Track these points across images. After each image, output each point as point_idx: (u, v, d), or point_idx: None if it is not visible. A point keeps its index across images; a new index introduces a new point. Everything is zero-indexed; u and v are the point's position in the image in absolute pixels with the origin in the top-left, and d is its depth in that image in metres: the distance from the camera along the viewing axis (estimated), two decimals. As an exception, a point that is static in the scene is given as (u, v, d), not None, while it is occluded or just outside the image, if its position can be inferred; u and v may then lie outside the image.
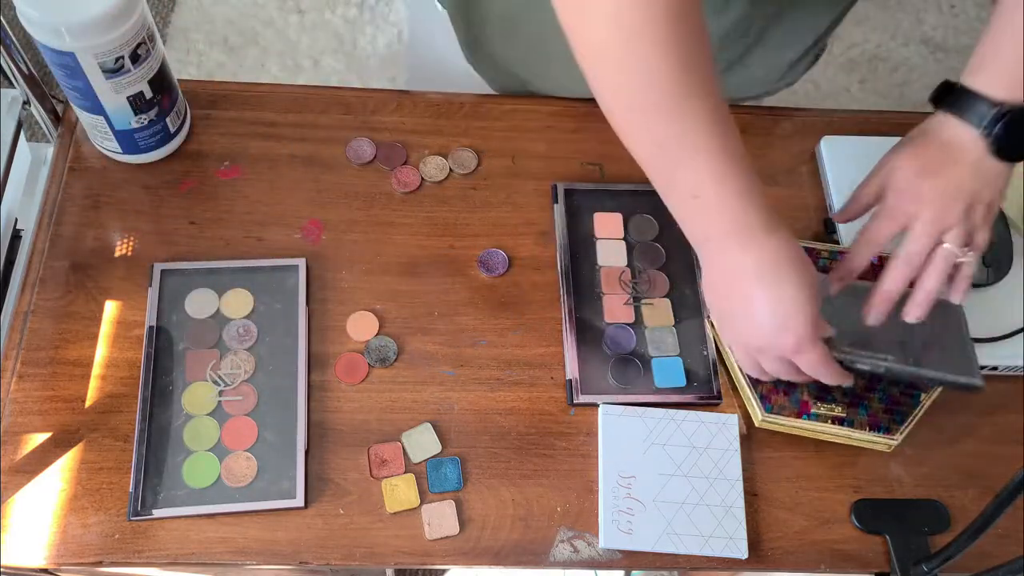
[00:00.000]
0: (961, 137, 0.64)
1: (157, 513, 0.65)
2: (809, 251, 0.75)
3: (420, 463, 0.68)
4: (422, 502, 0.67)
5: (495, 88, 0.86)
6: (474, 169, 0.81)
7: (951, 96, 0.66)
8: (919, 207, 0.65)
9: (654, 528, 0.66)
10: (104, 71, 0.68)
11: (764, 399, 0.70)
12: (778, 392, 0.70)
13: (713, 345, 0.74)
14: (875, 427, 0.69)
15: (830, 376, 0.63)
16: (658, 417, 0.70)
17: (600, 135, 0.83)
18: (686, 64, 0.54)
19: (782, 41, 0.79)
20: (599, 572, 0.91)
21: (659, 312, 0.75)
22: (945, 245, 0.65)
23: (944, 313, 0.69)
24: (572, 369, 0.72)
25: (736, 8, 0.72)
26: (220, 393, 0.69)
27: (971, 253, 0.66)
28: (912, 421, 0.69)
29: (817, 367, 0.62)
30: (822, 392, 0.70)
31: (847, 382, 0.65)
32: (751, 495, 0.69)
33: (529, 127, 0.84)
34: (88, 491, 0.66)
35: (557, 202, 0.79)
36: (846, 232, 0.78)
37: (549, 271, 0.77)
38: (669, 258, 0.78)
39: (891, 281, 0.65)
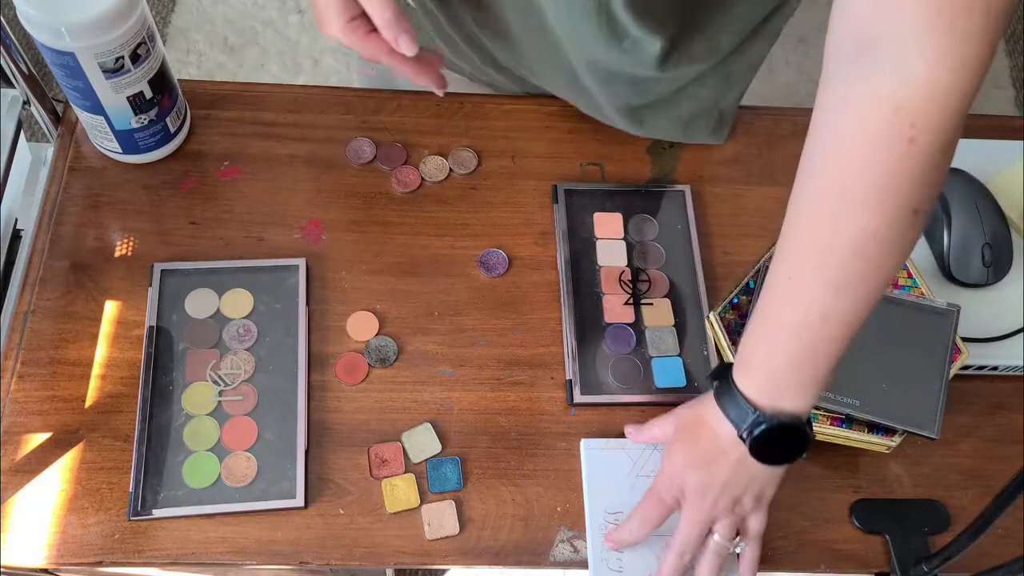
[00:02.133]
0: (727, 431, 0.59)
1: (157, 513, 0.65)
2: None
3: (420, 463, 0.68)
4: (422, 502, 0.67)
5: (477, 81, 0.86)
6: (474, 169, 0.81)
7: (722, 385, 0.60)
8: (684, 498, 0.62)
9: (645, 563, 0.65)
10: (104, 71, 0.68)
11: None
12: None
13: (713, 345, 0.74)
14: (874, 428, 0.69)
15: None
16: (641, 448, 0.69)
17: (600, 135, 0.83)
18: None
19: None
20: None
21: (659, 312, 0.75)
22: (715, 537, 0.62)
23: (930, 360, 0.69)
24: (572, 369, 0.72)
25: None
26: (220, 393, 0.69)
27: (743, 543, 0.64)
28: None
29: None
30: None
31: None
32: (751, 495, 0.69)
33: (529, 127, 0.84)
34: (88, 491, 0.66)
35: (557, 202, 0.79)
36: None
37: (549, 271, 0.77)
38: (669, 258, 0.78)
39: (668, 571, 0.63)
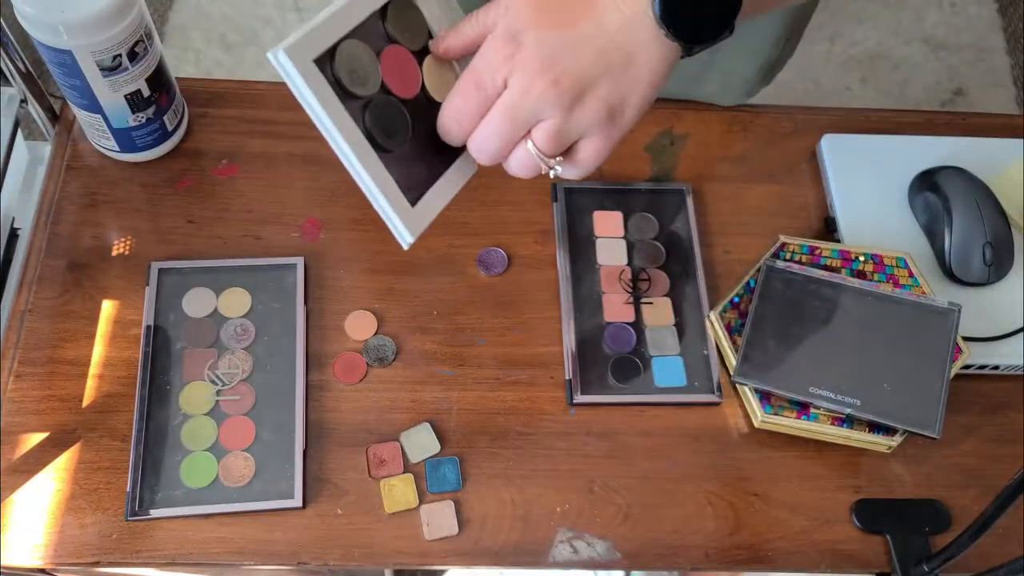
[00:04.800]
0: None
1: (155, 513, 0.65)
2: (810, 249, 0.75)
3: (419, 463, 0.68)
4: (421, 502, 0.67)
5: None
6: (473, 167, 0.81)
7: None
8: (512, 74, 0.45)
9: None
10: (102, 69, 0.68)
11: (764, 399, 0.69)
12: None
13: (713, 345, 0.73)
14: (875, 428, 0.68)
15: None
16: None
17: (600, 133, 0.83)
18: None
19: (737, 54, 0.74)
20: (599, 572, 0.90)
21: (659, 311, 0.75)
22: (528, 145, 0.47)
23: (931, 359, 0.69)
24: (572, 369, 0.72)
25: None
26: (218, 393, 0.69)
27: (562, 166, 0.47)
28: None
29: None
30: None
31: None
32: (751, 495, 0.69)
33: (528, 125, 0.83)
34: (85, 491, 0.66)
35: (557, 201, 0.79)
36: (847, 230, 0.78)
37: (549, 270, 0.76)
38: (669, 257, 0.78)
39: (448, 135, 0.50)
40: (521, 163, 0.50)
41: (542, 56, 0.44)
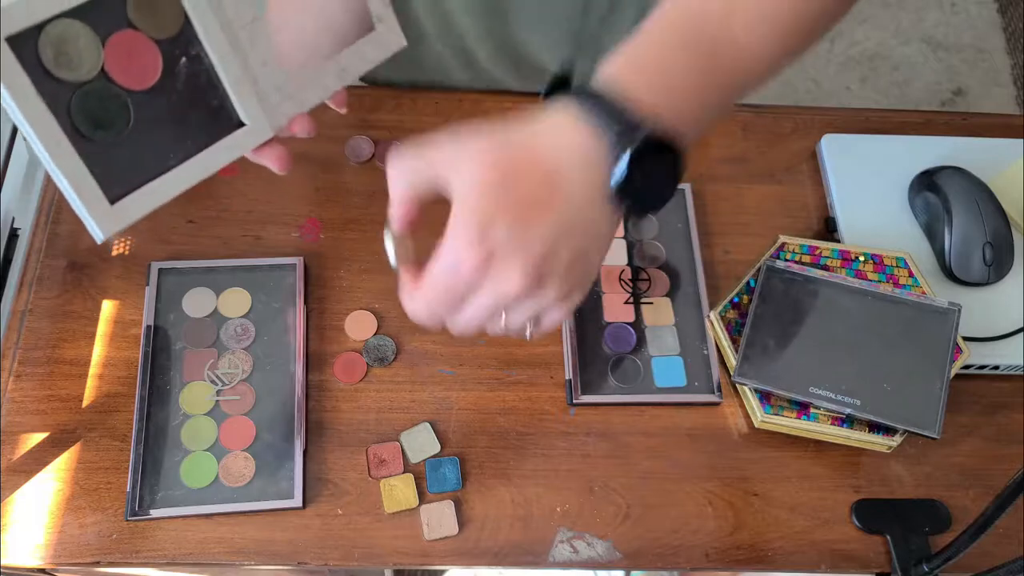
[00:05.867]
0: (575, 150, 0.44)
1: (155, 513, 0.65)
2: (810, 249, 0.75)
3: (419, 463, 0.68)
4: (421, 502, 0.67)
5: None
6: (473, 167, 0.81)
7: (580, 93, 0.45)
8: (487, 276, 0.45)
9: None
10: (101, 69, 0.67)
11: (764, 399, 0.69)
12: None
13: (713, 344, 0.73)
14: (875, 428, 0.68)
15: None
16: None
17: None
18: None
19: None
20: (599, 572, 0.90)
21: (659, 311, 0.75)
22: (501, 324, 0.48)
23: (931, 359, 0.69)
24: (572, 369, 0.72)
25: None
26: (218, 392, 0.69)
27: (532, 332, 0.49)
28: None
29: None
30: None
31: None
32: (751, 495, 0.69)
33: (528, 125, 0.83)
34: (86, 491, 0.66)
35: (556, 201, 0.79)
36: (847, 230, 0.78)
37: (548, 270, 0.76)
38: (669, 256, 0.78)
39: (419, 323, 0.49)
40: (481, 330, 0.49)
41: (517, 256, 0.44)
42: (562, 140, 0.45)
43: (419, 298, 0.49)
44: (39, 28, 0.46)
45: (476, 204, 0.45)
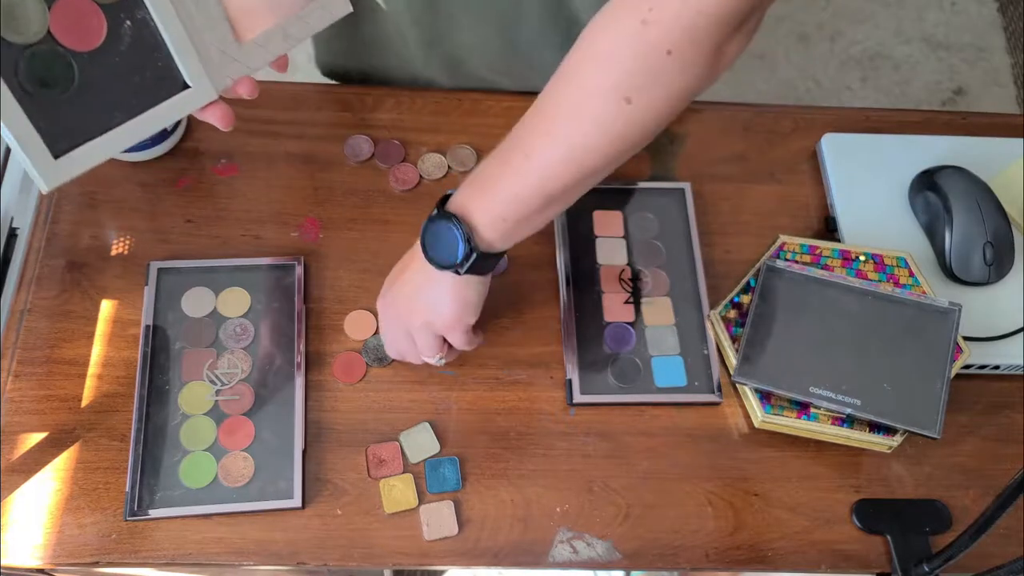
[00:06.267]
0: (417, 244, 0.63)
1: (154, 513, 0.64)
2: (810, 249, 0.75)
3: (418, 463, 0.68)
4: (420, 502, 0.66)
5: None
6: (473, 166, 0.80)
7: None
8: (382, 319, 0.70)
9: None
10: (99, 68, 0.67)
11: (764, 399, 0.69)
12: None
13: (714, 344, 0.73)
14: (875, 428, 0.68)
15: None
16: None
17: (599, 133, 0.82)
18: None
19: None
20: (599, 572, 0.90)
21: (659, 311, 0.75)
22: (420, 354, 0.68)
23: (931, 359, 0.69)
24: (572, 368, 0.72)
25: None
26: (217, 392, 0.69)
27: (443, 358, 0.68)
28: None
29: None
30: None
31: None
32: (751, 495, 0.69)
33: (528, 125, 0.83)
34: (85, 491, 0.65)
35: (556, 200, 0.79)
36: (847, 230, 0.78)
37: (548, 269, 0.76)
38: (669, 256, 0.77)
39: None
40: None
41: (389, 305, 0.68)
42: (414, 247, 0.65)
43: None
44: None
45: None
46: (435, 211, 0.61)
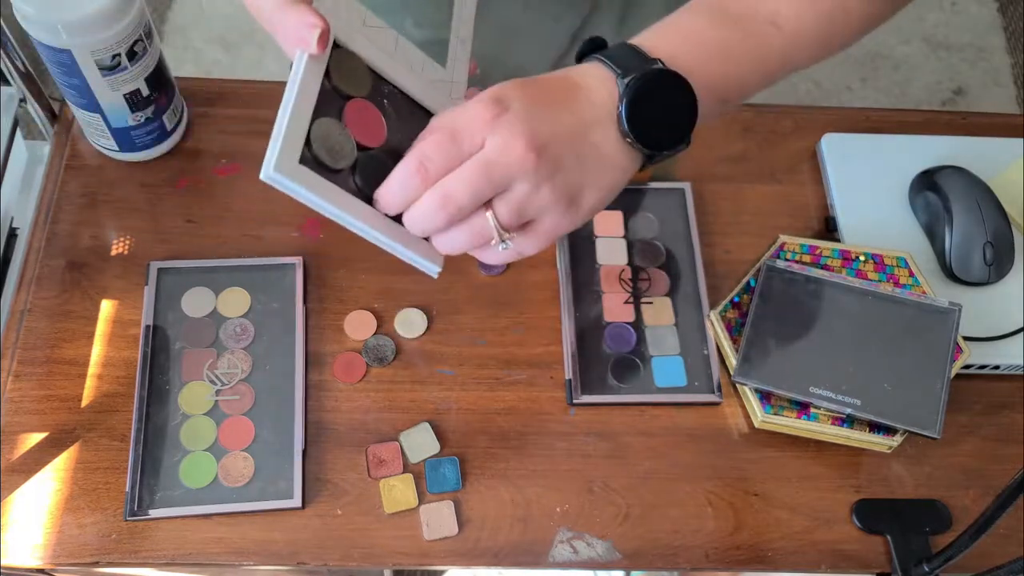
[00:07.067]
0: (595, 81, 0.48)
1: (154, 513, 0.64)
2: (810, 249, 0.75)
3: (418, 463, 0.68)
4: (420, 502, 0.66)
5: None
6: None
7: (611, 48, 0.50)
8: (491, 133, 0.46)
9: None
10: (101, 68, 0.68)
11: (764, 399, 0.69)
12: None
13: (714, 344, 0.73)
14: (875, 428, 0.68)
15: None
16: None
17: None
18: None
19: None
20: (599, 572, 0.90)
21: (659, 311, 0.75)
22: (487, 215, 0.47)
23: (931, 359, 0.69)
24: (572, 368, 0.72)
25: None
26: (217, 392, 0.69)
27: (512, 242, 0.48)
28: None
29: None
30: None
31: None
32: (751, 495, 0.69)
33: (528, 125, 0.83)
34: (84, 491, 0.65)
35: (556, 200, 0.79)
36: (847, 230, 0.78)
37: (548, 270, 0.76)
38: (669, 256, 0.77)
39: (420, 212, 0.48)
40: (472, 231, 0.48)
41: (527, 123, 0.46)
42: (584, 70, 0.49)
43: (415, 147, 0.49)
44: (307, 142, 0.50)
45: (499, 86, 0.48)
46: (639, 72, 0.47)
